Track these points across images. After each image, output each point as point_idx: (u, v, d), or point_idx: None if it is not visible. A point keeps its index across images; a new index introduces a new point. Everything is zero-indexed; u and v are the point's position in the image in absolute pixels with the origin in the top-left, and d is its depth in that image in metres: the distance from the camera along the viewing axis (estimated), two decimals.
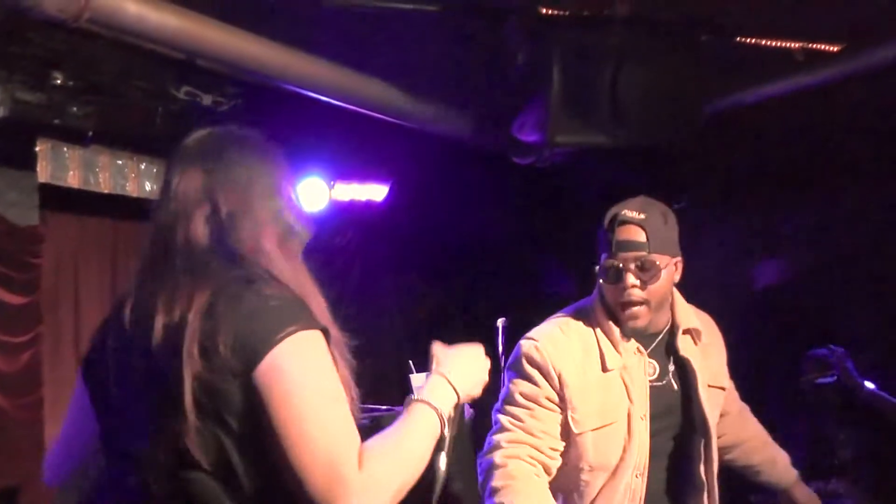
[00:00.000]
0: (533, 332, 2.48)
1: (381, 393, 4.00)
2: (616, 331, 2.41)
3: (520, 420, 2.36)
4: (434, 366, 1.62)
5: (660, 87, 3.36)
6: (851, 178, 5.13)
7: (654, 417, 2.40)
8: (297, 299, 1.46)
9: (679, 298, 2.58)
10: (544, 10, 3.38)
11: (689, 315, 2.56)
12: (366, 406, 3.95)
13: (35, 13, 2.87)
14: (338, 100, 3.88)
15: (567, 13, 3.39)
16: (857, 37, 4.01)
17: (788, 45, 4.05)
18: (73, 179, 4.61)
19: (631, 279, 2.34)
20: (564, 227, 6.26)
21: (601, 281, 2.42)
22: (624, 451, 2.35)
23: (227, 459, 1.39)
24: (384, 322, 6.09)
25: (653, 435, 2.39)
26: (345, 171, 5.31)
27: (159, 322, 1.41)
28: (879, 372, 3.92)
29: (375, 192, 5.43)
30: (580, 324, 2.46)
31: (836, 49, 4.12)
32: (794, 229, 5.43)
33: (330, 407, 1.38)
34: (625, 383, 2.39)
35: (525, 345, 2.44)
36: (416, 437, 1.49)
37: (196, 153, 1.56)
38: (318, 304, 1.54)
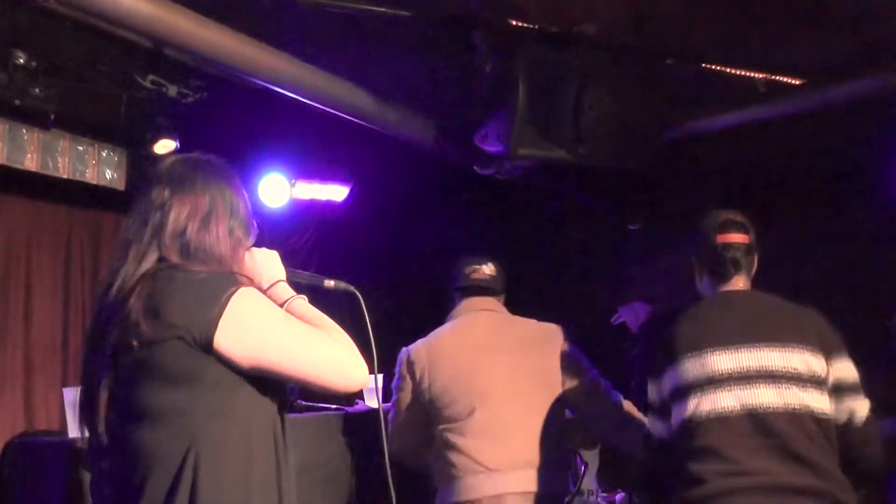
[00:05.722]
0: None
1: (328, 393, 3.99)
2: None
3: None
4: (263, 282, 1.93)
5: (622, 108, 3.41)
6: (802, 210, 5.24)
7: None
8: (228, 272, 1.81)
9: None
10: (513, 23, 3.41)
11: None
12: (315, 405, 3.96)
13: None
14: (304, 97, 3.88)
15: (535, 27, 3.43)
16: (819, 72, 4.11)
17: (752, 75, 4.14)
18: (30, 162, 4.54)
19: None
20: (520, 240, 6.32)
21: None
22: None
23: (166, 409, 1.69)
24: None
25: None
26: (306, 170, 5.30)
27: (117, 311, 1.72)
28: None
29: (336, 192, 5.42)
30: None
31: (797, 83, 4.22)
32: None
33: (291, 324, 1.75)
34: None
35: None
36: (315, 313, 1.90)
37: (169, 178, 1.87)
38: None
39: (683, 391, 2.44)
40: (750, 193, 5.30)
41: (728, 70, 4.12)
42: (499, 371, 3.09)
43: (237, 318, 1.69)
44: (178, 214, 1.81)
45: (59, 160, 4.69)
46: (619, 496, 3.16)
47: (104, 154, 4.88)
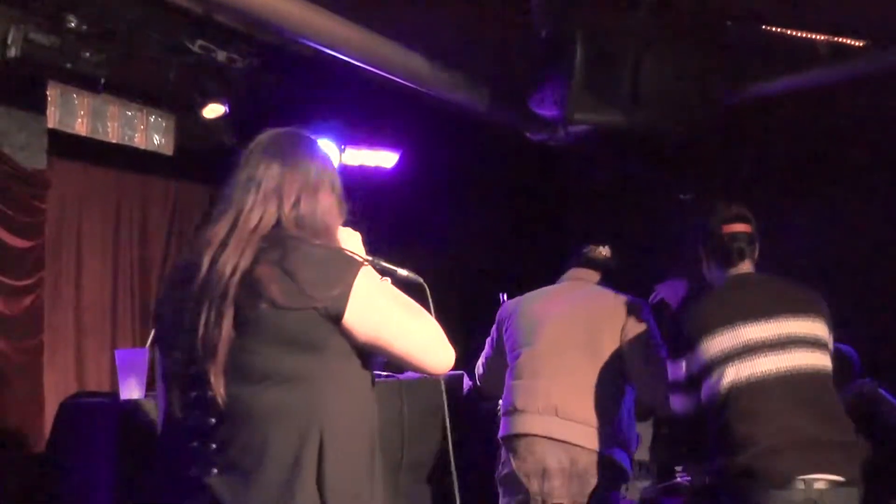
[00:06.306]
0: None
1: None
2: None
3: None
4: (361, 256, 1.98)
5: (681, 73, 3.34)
6: (860, 178, 5.12)
7: None
8: (342, 249, 1.88)
9: None
10: None
11: None
12: None
13: None
14: (354, 59, 3.82)
15: None
16: (883, 34, 3.97)
17: (813, 37, 4.01)
18: (81, 127, 4.58)
19: None
20: (570, 210, 6.26)
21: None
22: None
23: (293, 374, 1.77)
24: None
25: None
26: (356, 136, 5.26)
27: (236, 274, 1.75)
28: None
29: (385, 159, 5.38)
30: None
31: (860, 44, 4.08)
32: (793, 230, 5.38)
33: (405, 304, 1.86)
34: None
35: None
36: (403, 295, 1.93)
37: (275, 150, 1.91)
38: None
39: (719, 362, 2.70)
40: (806, 163, 5.19)
41: (789, 32, 4.00)
42: (551, 327, 3.28)
43: (364, 295, 1.78)
44: (291, 186, 1.87)
45: (109, 125, 4.72)
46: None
47: (152, 119, 4.90)
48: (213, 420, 1.76)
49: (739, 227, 2.92)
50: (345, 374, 1.82)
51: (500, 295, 4.34)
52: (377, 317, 1.80)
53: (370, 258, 1.98)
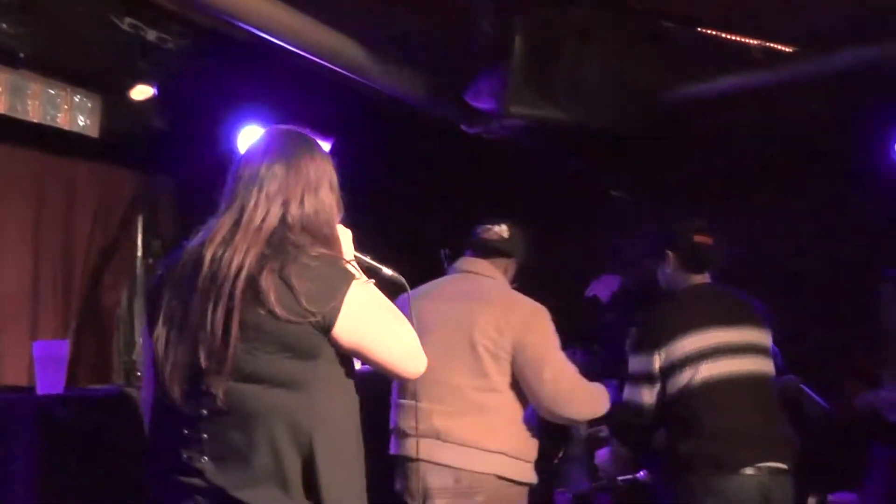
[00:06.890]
0: None
1: None
2: None
3: None
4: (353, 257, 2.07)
5: (621, 69, 3.36)
6: (790, 180, 5.21)
7: None
8: (338, 258, 1.95)
9: None
10: None
11: None
12: None
13: None
14: (289, 44, 3.72)
15: None
16: (813, 41, 4.06)
17: (747, 41, 4.09)
18: None
19: None
20: (501, 203, 6.23)
21: None
22: None
23: (288, 378, 1.85)
24: None
25: None
26: (286, 122, 5.15)
27: (241, 275, 1.82)
28: None
29: None
30: None
31: (790, 50, 4.17)
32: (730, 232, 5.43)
33: (389, 314, 1.96)
34: None
35: None
36: (384, 299, 2.01)
37: (276, 149, 1.97)
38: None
39: (694, 358, 3.03)
40: (738, 163, 5.26)
41: (723, 35, 4.05)
42: (433, 339, 2.83)
43: (354, 311, 1.88)
44: (295, 185, 1.93)
45: (29, 103, 4.52)
46: (641, 474, 3.20)
47: (77, 99, 4.72)
48: (205, 412, 1.84)
49: (709, 239, 3.26)
50: (334, 378, 1.93)
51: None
52: (362, 329, 1.91)
53: (358, 255, 2.04)
